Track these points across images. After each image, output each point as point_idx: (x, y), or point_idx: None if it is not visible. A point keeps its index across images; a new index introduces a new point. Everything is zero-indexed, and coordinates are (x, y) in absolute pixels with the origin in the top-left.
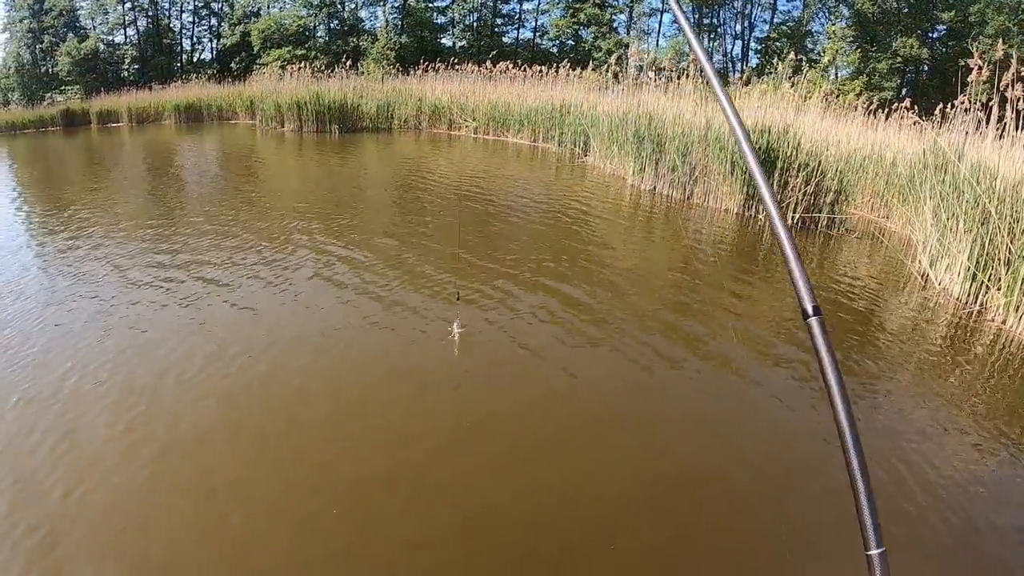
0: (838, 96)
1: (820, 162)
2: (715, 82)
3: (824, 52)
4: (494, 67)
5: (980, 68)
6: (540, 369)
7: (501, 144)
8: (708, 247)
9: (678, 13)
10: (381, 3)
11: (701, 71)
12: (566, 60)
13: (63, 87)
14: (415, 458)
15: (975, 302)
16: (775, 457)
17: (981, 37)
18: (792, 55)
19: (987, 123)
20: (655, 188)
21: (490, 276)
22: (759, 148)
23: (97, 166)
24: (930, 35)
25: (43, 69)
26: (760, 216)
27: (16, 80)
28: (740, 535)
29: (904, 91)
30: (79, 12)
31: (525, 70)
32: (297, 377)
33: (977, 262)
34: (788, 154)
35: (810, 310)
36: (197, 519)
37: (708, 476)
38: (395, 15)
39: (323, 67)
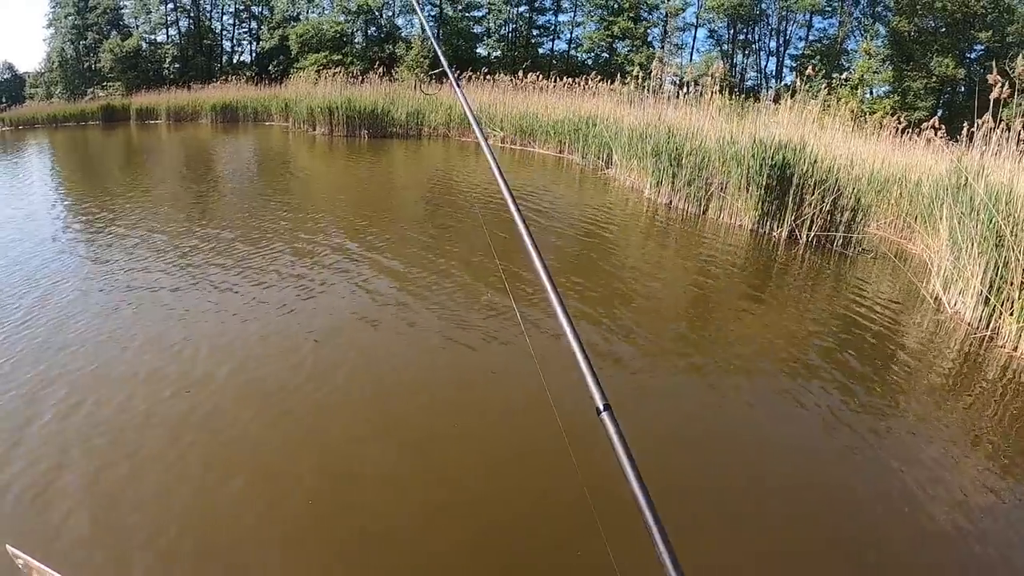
0: (867, 114)
1: (837, 180)
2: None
3: (856, 70)
4: (525, 78)
5: (1001, 86)
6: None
7: (527, 154)
8: (720, 263)
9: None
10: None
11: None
12: (595, 72)
13: (105, 83)
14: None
15: (987, 327)
16: (765, 469)
17: (1020, 58)
18: (822, 72)
19: (1014, 144)
20: (671, 202)
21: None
22: (774, 164)
23: (135, 161)
24: (967, 55)
25: (86, 65)
26: (775, 233)
27: (59, 74)
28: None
29: (940, 111)
30: (123, 11)
31: (555, 81)
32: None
33: (990, 286)
34: (804, 171)
35: (601, 407)
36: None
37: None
38: (431, 23)
39: (358, 73)
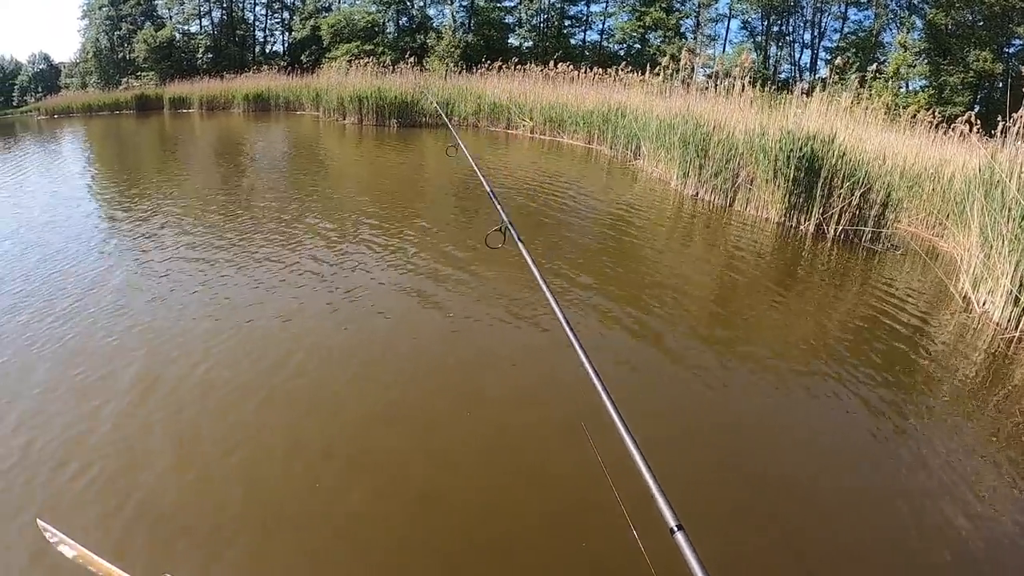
0: (902, 108)
1: (867, 173)
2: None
3: (891, 63)
4: (556, 68)
5: None
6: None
7: (556, 144)
8: (746, 256)
9: None
10: (449, 2)
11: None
12: (625, 63)
13: (139, 73)
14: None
15: (1016, 328)
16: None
17: None
18: (856, 65)
19: None
20: (697, 194)
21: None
22: (802, 156)
23: (169, 149)
24: (1006, 49)
25: (120, 55)
26: (802, 227)
27: (94, 64)
28: None
29: (976, 107)
30: (156, 2)
31: (586, 72)
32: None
33: (1021, 285)
34: (833, 163)
35: (674, 527)
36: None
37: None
38: (463, 14)
39: (389, 63)
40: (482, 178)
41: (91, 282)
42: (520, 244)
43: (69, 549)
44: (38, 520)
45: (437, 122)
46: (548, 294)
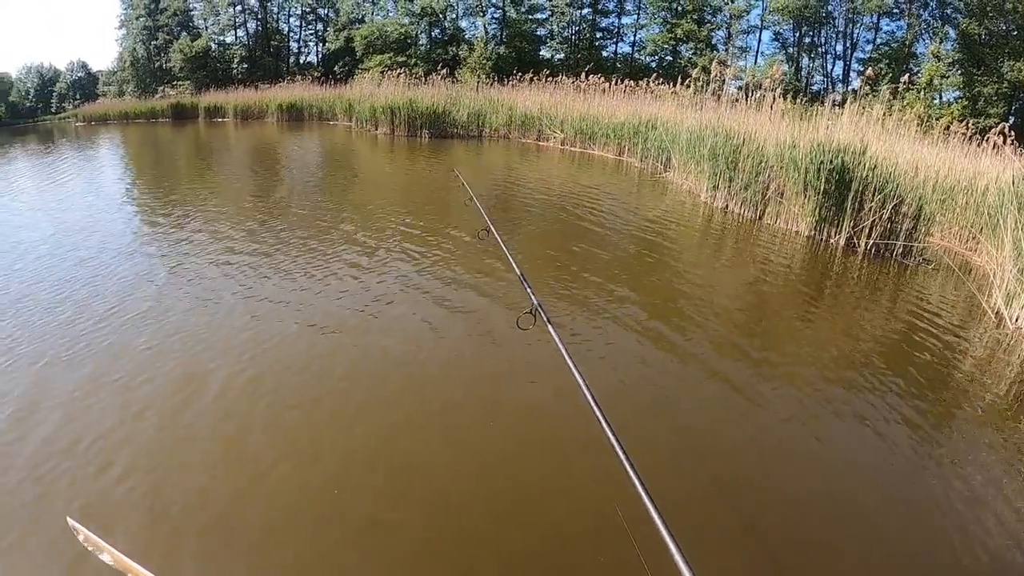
0: (934, 120)
1: (898, 186)
2: None
3: (924, 73)
4: (587, 80)
5: None
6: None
7: (587, 156)
8: (775, 269)
9: None
10: (481, 14)
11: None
12: (656, 75)
13: (174, 82)
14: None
15: None
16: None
17: None
18: (889, 76)
19: None
20: (727, 206)
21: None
22: (833, 169)
23: (204, 156)
24: None
25: (156, 64)
26: (832, 240)
27: (131, 73)
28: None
29: (1012, 118)
30: (192, 12)
31: (618, 84)
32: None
33: None
34: (864, 176)
35: None
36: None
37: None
38: (495, 26)
39: (422, 74)
40: (512, 262)
41: (129, 286)
42: (550, 327)
43: (98, 549)
44: (68, 519)
45: (469, 133)
46: (578, 376)
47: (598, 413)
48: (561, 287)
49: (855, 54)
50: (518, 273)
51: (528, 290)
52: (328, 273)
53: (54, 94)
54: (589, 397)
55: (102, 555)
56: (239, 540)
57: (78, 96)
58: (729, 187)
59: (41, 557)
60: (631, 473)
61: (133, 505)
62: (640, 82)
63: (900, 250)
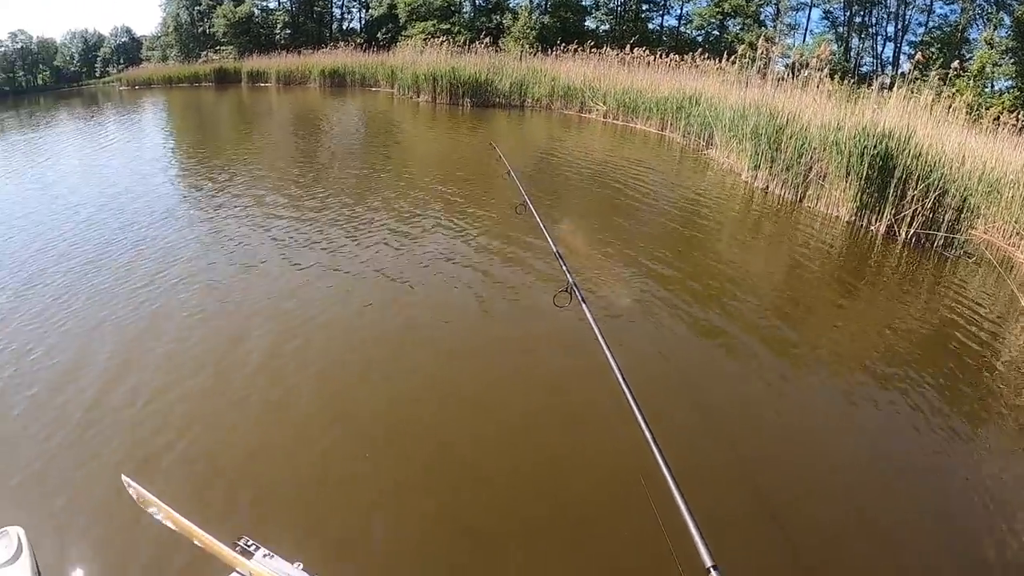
0: (984, 109)
1: (943, 175)
2: None
3: (975, 60)
4: (632, 52)
5: None
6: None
7: (629, 130)
8: (813, 254)
9: None
10: None
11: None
12: (702, 50)
13: (217, 47)
14: None
15: None
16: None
17: None
18: (940, 61)
19: None
20: (767, 187)
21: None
22: (876, 154)
23: (247, 121)
24: None
25: (200, 29)
26: (872, 227)
27: (175, 38)
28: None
29: None
30: None
31: (663, 57)
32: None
33: None
34: (908, 163)
35: (709, 566)
36: None
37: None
38: None
39: (465, 42)
40: (549, 239)
41: (175, 250)
42: (584, 307)
43: (151, 506)
44: (122, 476)
45: (511, 103)
46: (609, 355)
47: (626, 390)
48: (599, 261)
49: (906, 37)
50: (554, 251)
51: (564, 268)
52: (370, 240)
53: (98, 59)
54: (618, 373)
55: (156, 513)
56: (285, 497)
57: (122, 61)
58: (771, 167)
59: (95, 515)
60: (655, 450)
61: (186, 463)
62: (685, 56)
63: (941, 241)
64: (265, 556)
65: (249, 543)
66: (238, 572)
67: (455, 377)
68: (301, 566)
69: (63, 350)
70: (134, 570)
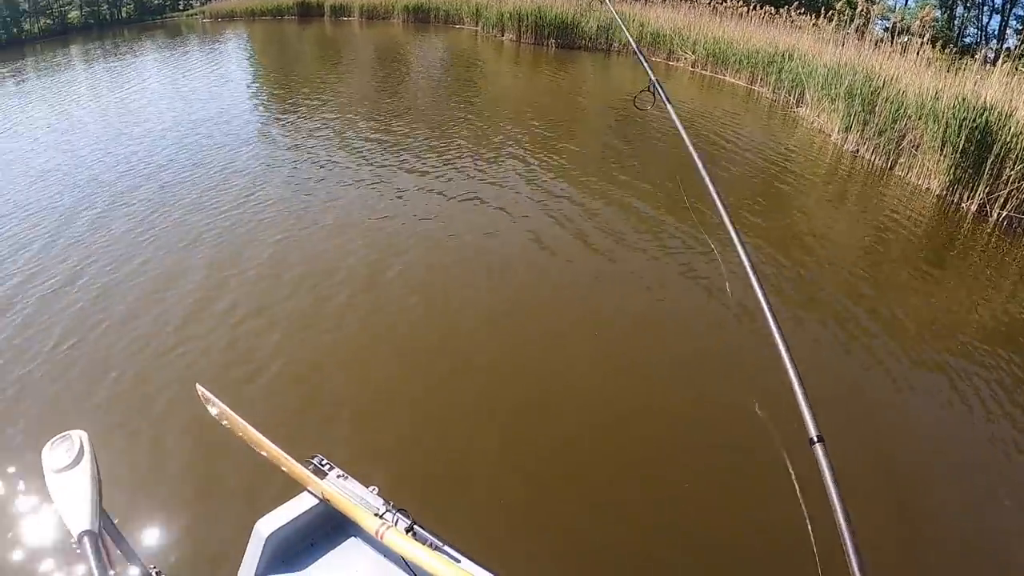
0: None
1: None
2: None
3: None
4: (724, 2)
5: None
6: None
7: (717, 82)
8: (897, 227)
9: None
10: None
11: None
12: (798, 4)
13: None
14: None
15: None
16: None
17: None
18: None
19: None
20: (857, 151)
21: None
22: (975, 128)
23: (330, 55)
24: None
25: None
26: (964, 204)
27: None
28: None
29: None
30: None
31: (755, 9)
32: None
33: None
34: (1008, 140)
35: (815, 438)
36: None
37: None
38: None
39: None
40: (645, 65)
41: (258, 177)
42: (669, 106)
43: (222, 414)
44: (197, 385)
45: (596, 47)
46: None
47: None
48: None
49: (1014, 10)
50: (634, 48)
51: (645, 65)
52: (456, 177)
53: None
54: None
55: (226, 423)
56: (371, 427)
57: None
58: (863, 131)
59: (166, 424)
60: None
61: (271, 381)
62: (780, 10)
63: None
64: (339, 477)
65: (324, 462)
66: (309, 491)
67: (568, 320)
68: (377, 491)
69: (160, 262)
70: (198, 479)
